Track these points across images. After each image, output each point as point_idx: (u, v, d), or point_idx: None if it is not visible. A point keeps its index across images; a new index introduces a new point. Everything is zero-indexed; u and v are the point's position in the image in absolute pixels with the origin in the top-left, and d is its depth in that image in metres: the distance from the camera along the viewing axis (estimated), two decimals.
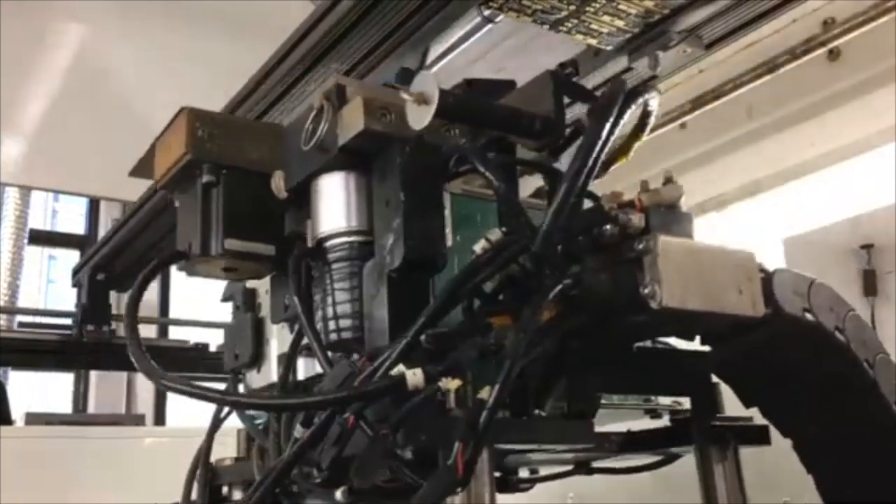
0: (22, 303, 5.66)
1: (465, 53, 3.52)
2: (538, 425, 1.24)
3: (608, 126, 1.12)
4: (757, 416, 1.41)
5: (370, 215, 1.28)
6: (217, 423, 1.55)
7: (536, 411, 1.25)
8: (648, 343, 1.41)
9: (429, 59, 3.18)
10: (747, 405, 1.38)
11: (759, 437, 1.40)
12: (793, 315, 1.23)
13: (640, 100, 1.20)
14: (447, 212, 1.32)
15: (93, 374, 5.60)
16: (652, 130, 3.04)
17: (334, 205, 1.30)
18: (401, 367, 1.07)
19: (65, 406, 5.77)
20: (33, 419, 3.40)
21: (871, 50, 2.51)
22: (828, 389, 1.32)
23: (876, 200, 2.43)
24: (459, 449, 0.99)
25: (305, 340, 1.33)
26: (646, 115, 1.29)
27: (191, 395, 1.14)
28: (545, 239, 1.09)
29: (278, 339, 1.50)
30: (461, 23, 2.95)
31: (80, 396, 5.72)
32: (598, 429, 1.37)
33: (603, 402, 1.41)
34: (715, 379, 1.42)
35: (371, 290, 1.24)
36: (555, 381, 1.26)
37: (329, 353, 1.27)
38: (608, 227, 1.14)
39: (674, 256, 1.11)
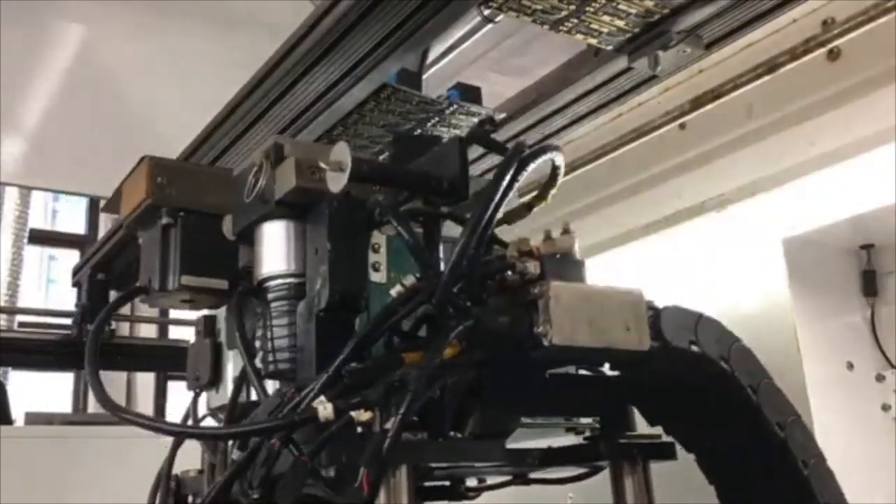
0: (22, 303, 5.85)
1: (464, 53, 3.72)
2: (451, 446, 1.49)
3: (502, 188, 1.37)
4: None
5: (305, 259, 1.53)
6: (180, 440, 1.82)
7: (454, 433, 1.51)
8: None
9: (429, 59, 3.39)
10: (651, 424, 1.62)
11: (665, 452, 1.60)
12: (679, 347, 1.46)
13: (538, 161, 1.43)
14: (383, 250, 1.57)
15: None
16: (652, 130, 3.23)
17: (274, 250, 1.55)
18: (322, 399, 1.32)
19: (65, 406, 5.92)
20: (33, 419, 3.58)
21: (871, 50, 2.54)
22: (718, 411, 1.56)
23: (876, 200, 2.48)
24: (364, 473, 1.26)
25: None
26: (555, 168, 1.55)
27: (140, 425, 1.44)
28: (444, 288, 1.34)
29: (234, 363, 1.73)
30: (461, 23, 3.15)
31: (80, 396, 5.89)
32: (522, 444, 1.61)
33: (528, 420, 1.64)
34: None
35: (303, 326, 1.49)
36: (472, 405, 1.51)
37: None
38: (510, 273, 1.40)
39: (565, 299, 1.35)
